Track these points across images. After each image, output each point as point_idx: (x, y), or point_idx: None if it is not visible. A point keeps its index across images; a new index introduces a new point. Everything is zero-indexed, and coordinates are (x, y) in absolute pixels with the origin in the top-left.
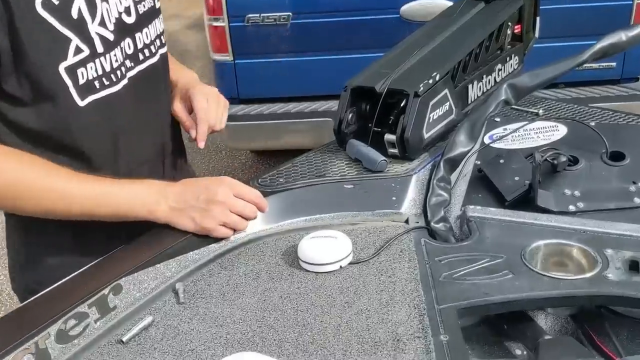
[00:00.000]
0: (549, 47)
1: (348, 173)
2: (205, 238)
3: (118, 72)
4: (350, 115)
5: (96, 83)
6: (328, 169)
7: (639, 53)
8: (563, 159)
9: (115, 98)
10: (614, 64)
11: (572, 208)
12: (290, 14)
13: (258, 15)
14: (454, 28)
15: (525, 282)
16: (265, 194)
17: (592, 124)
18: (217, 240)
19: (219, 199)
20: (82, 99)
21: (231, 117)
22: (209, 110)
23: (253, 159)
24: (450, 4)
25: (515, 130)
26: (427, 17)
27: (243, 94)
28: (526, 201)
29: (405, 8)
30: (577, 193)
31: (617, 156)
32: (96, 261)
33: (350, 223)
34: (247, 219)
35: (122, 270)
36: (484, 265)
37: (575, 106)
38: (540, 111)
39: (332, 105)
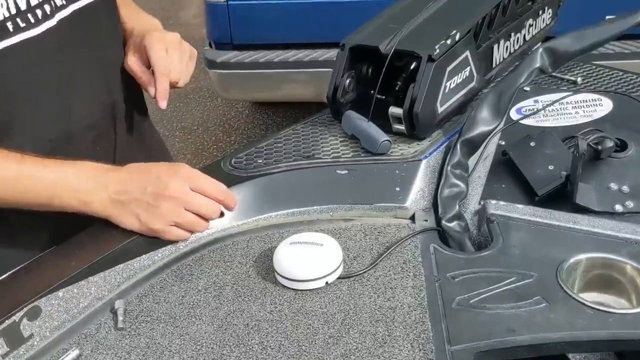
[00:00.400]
0: None
1: (342, 154)
2: (156, 239)
3: (39, 12)
4: (347, 81)
5: (9, 25)
6: (318, 148)
7: None
8: (609, 143)
9: (36, 44)
10: None
11: (618, 208)
12: None
13: None
14: None
15: (562, 314)
16: (239, 180)
17: None
18: (173, 241)
19: (170, 194)
20: None
21: (223, 65)
22: (169, 61)
23: (251, 107)
24: None
25: (549, 104)
26: None
27: (237, 39)
28: (561, 196)
29: None
30: (625, 188)
31: None
32: (6, 275)
33: (343, 219)
34: (206, 219)
35: (42, 287)
36: (509, 287)
37: (623, 73)
38: (579, 79)
39: (334, 54)
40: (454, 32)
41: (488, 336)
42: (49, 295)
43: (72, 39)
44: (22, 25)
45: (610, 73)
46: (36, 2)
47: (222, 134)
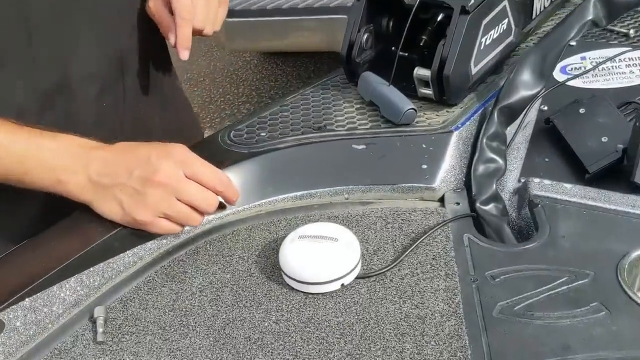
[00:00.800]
0: None
1: (359, 125)
2: (142, 232)
3: None
4: (365, 37)
5: None
6: (331, 118)
7: None
8: None
9: None
10: None
11: None
12: None
13: None
14: None
15: (626, 325)
16: (239, 157)
17: None
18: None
19: (160, 179)
20: None
21: (229, 13)
22: (194, 6)
23: (259, 57)
24: None
25: (601, 63)
26: None
27: None
28: (616, 173)
29: None
30: None
31: None
32: None
33: (360, 202)
34: (201, 212)
35: (4, 295)
36: (560, 289)
37: None
38: (631, 31)
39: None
40: None
41: (539, 355)
42: (13, 306)
43: None
44: None
45: None
46: None
47: (230, 86)
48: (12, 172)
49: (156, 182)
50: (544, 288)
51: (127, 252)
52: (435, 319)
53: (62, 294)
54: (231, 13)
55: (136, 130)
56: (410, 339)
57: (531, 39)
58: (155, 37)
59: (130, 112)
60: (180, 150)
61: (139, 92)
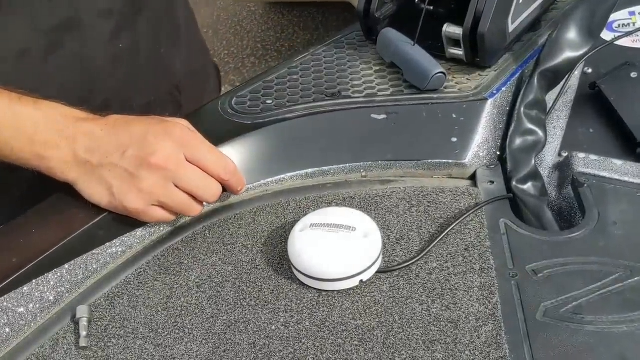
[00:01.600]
0: None
1: (379, 91)
2: (134, 219)
3: None
4: None
5: None
6: (346, 82)
7: None
8: None
9: None
10: None
11: None
12: None
13: None
14: None
15: None
16: (242, 128)
17: None
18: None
19: (158, 162)
20: None
21: None
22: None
23: (264, 7)
24: None
25: None
26: None
27: None
28: None
29: None
30: None
31: None
32: None
33: (380, 180)
34: (201, 201)
35: None
36: (613, 288)
37: None
38: None
39: None
40: None
41: None
42: None
43: None
44: None
45: None
46: None
47: (234, 37)
48: None
49: (153, 164)
50: (594, 286)
51: (114, 241)
52: (469, 323)
53: (41, 291)
54: None
55: (153, 72)
56: (442, 347)
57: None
58: None
59: (146, 52)
60: (182, 129)
61: (157, 30)
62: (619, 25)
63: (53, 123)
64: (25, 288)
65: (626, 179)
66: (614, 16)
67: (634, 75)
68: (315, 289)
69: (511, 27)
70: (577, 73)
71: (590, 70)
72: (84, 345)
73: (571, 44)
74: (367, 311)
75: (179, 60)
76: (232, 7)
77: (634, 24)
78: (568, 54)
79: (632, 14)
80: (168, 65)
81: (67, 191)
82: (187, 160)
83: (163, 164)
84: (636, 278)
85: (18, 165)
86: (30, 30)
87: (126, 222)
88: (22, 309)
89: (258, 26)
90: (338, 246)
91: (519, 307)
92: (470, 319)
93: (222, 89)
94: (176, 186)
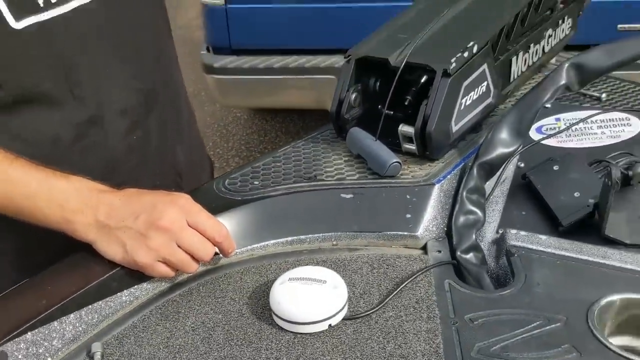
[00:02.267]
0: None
1: (347, 176)
2: (140, 273)
3: None
4: (353, 96)
5: (39, 0)
6: (321, 169)
7: None
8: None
9: (67, 22)
10: None
11: None
12: None
13: None
14: None
15: None
16: (233, 203)
17: None
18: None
19: (164, 224)
20: (18, 19)
21: (222, 70)
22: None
23: (249, 113)
24: None
25: (574, 124)
26: None
27: (235, 43)
28: (587, 226)
29: None
30: None
31: None
32: None
33: (348, 248)
34: (198, 260)
35: (8, 328)
36: (534, 332)
37: None
38: (603, 95)
39: (336, 60)
40: (472, 43)
41: None
42: (15, 339)
43: (103, 16)
44: (53, 1)
45: (638, 89)
46: None
47: (220, 140)
48: (24, 207)
49: (160, 227)
50: (519, 331)
51: (124, 291)
52: (417, 358)
53: (62, 329)
54: (225, 70)
55: (160, 161)
56: None
57: (509, 101)
58: (177, 76)
59: (156, 144)
60: (185, 200)
61: (165, 127)
62: (547, 129)
63: (80, 194)
64: (50, 326)
65: (548, 250)
66: (543, 121)
67: (556, 168)
68: (291, 331)
69: (454, 128)
70: (512, 166)
71: (522, 165)
72: None
73: (503, 143)
74: (334, 350)
75: (182, 152)
76: (219, 112)
77: (558, 127)
78: (501, 150)
79: (558, 119)
80: (172, 156)
81: (87, 249)
82: (188, 225)
83: (169, 226)
84: (552, 325)
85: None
86: (62, 123)
87: (135, 276)
88: (47, 343)
89: (243, 130)
90: (311, 295)
91: (457, 347)
92: (417, 355)
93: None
94: (178, 246)
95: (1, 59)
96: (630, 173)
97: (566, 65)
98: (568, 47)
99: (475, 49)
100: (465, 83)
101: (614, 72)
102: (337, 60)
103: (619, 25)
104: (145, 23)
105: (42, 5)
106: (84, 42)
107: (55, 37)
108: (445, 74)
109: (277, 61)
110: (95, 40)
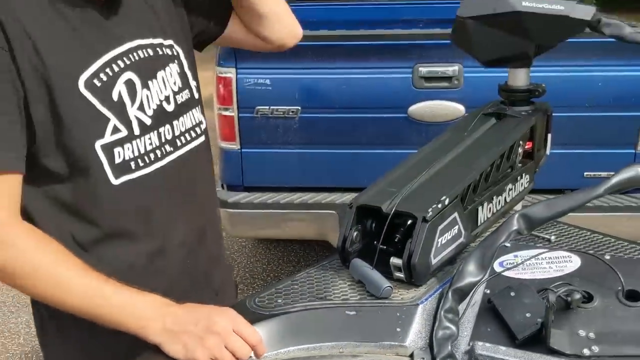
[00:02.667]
0: (559, 153)
1: (351, 297)
2: None
3: (152, 155)
4: (354, 234)
5: (132, 164)
6: (330, 291)
7: None
8: (577, 295)
9: (150, 180)
10: None
11: (586, 352)
12: (300, 108)
13: (267, 107)
14: (466, 145)
15: None
16: (262, 317)
17: (607, 257)
18: None
19: (218, 330)
20: (117, 177)
21: (234, 205)
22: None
23: (253, 242)
24: (456, 106)
25: (527, 260)
26: (434, 118)
27: (248, 182)
28: (538, 339)
29: (413, 108)
30: (591, 335)
31: (634, 295)
32: None
33: (352, 355)
34: (237, 359)
35: None
36: None
37: (590, 233)
38: (552, 237)
39: (336, 197)
40: (444, 197)
41: None
42: None
43: (176, 176)
44: (141, 164)
45: (580, 232)
46: (151, 147)
47: None
48: (109, 316)
49: (214, 331)
50: None
51: None
52: None
53: None
54: (237, 205)
55: (204, 282)
56: None
57: (478, 240)
58: (218, 214)
59: (202, 269)
60: (231, 312)
61: (209, 254)
62: (507, 263)
63: (154, 306)
64: None
65: (507, 358)
66: (504, 257)
67: (512, 294)
68: None
69: (433, 262)
70: (479, 292)
71: (488, 291)
72: None
73: (471, 273)
74: None
75: (218, 275)
76: (225, 241)
77: (516, 262)
78: (469, 279)
79: (516, 256)
80: (212, 278)
81: (156, 349)
82: (233, 331)
83: (220, 331)
84: None
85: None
86: (137, 254)
87: None
88: None
89: (247, 258)
90: None
91: None
92: None
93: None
94: (225, 347)
95: (101, 207)
96: (569, 299)
97: (516, 215)
98: (544, 192)
99: (447, 202)
100: (440, 227)
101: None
102: (337, 197)
103: (586, 173)
104: (204, 176)
105: (133, 168)
106: (161, 194)
107: (140, 191)
108: (424, 220)
109: (283, 197)
110: (169, 192)
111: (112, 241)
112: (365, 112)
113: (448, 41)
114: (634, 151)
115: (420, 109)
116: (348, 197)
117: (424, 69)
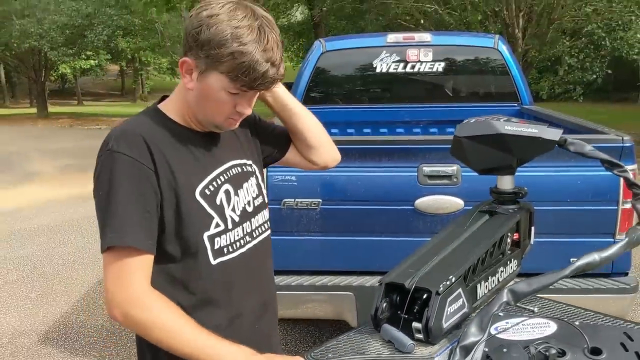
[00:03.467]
0: (544, 241)
1: (383, 352)
2: None
3: (238, 244)
4: (384, 305)
5: (225, 249)
6: (366, 348)
7: (627, 252)
8: (553, 351)
9: (235, 262)
10: None
11: None
12: (321, 200)
13: (293, 200)
14: (466, 236)
15: None
16: None
17: (577, 323)
18: None
19: None
20: (214, 259)
21: None
22: None
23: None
24: (456, 200)
25: (515, 325)
26: (437, 210)
27: (275, 265)
28: None
29: (419, 202)
30: None
31: (597, 351)
32: None
33: None
34: None
35: None
36: None
37: (564, 306)
38: (536, 309)
39: (353, 280)
40: (452, 276)
41: None
42: None
43: (251, 259)
44: (231, 250)
45: (557, 305)
46: (238, 238)
47: None
48: (202, 356)
49: None
50: None
51: None
52: None
53: None
54: None
55: (266, 342)
56: None
57: (480, 308)
58: (275, 288)
59: (266, 332)
60: (299, 358)
61: (271, 321)
62: (500, 327)
63: (245, 354)
64: None
65: None
66: (499, 323)
67: (504, 350)
68: None
69: (445, 325)
70: (480, 349)
71: (487, 349)
72: None
73: (473, 334)
74: None
75: (275, 337)
76: None
77: (507, 327)
78: (472, 339)
79: (507, 322)
80: (272, 341)
81: None
82: None
83: None
84: None
85: None
86: (220, 317)
87: None
88: None
89: None
90: None
91: None
92: None
93: None
94: None
95: (201, 281)
96: (547, 354)
97: (505, 290)
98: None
99: (453, 280)
100: (449, 299)
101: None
102: (353, 280)
103: (572, 259)
104: (269, 260)
105: (225, 252)
106: (241, 273)
107: (228, 269)
108: (437, 293)
109: (305, 280)
110: (246, 271)
111: (205, 307)
112: (377, 204)
113: (448, 146)
114: (613, 240)
115: (425, 202)
116: (364, 279)
117: (427, 168)
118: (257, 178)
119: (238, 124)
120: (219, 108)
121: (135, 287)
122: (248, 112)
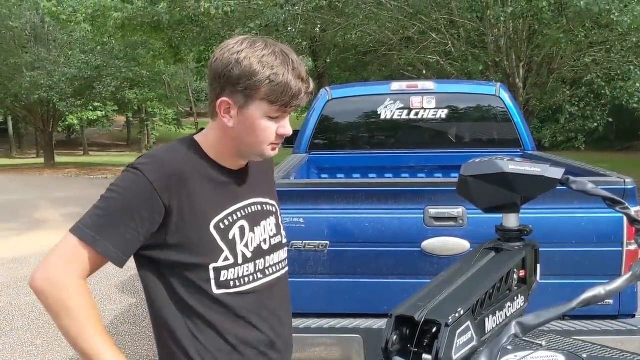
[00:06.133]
0: (551, 283)
1: None
2: None
3: (246, 279)
4: (394, 337)
5: (231, 282)
6: None
7: (633, 292)
8: None
9: (243, 295)
10: (610, 301)
11: None
12: (328, 242)
13: (301, 242)
14: (474, 271)
15: None
16: None
17: (584, 356)
18: None
19: None
20: (217, 289)
21: None
22: None
23: None
24: (462, 241)
25: (523, 358)
26: (444, 252)
27: None
28: None
29: (426, 243)
30: None
31: None
32: None
33: None
34: None
35: None
36: None
37: (572, 340)
38: (543, 342)
39: (361, 322)
40: (460, 309)
41: None
42: None
43: (263, 296)
44: (238, 284)
45: (563, 339)
46: (247, 273)
47: None
48: None
49: None
50: None
51: None
52: None
53: None
54: None
55: None
56: None
57: (488, 342)
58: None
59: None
60: None
61: (282, 351)
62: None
63: None
64: None
65: None
66: (508, 357)
67: None
68: None
69: (454, 357)
70: None
71: None
72: None
73: None
74: None
75: None
76: None
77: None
78: None
79: (516, 356)
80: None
81: None
82: None
83: None
84: None
85: None
86: (224, 341)
87: None
88: None
89: None
90: None
91: None
92: None
93: None
94: None
95: (203, 307)
96: None
97: (514, 322)
98: None
99: (462, 312)
100: (458, 331)
101: (552, 328)
102: (361, 322)
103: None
104: (285, 298)
105: (231, 285)
106: (252, 306)
107: (234, 301)
108: (446, 325)
109: (313, 322)
110: (259, 305)
111: (208, 330)
112: (384, 246)
113: (453, 188)
114: None
115: (431, 244)
116: (372, 322)
117: (433, 211)
118: (277, 218)
119: (278, 149)
120: (263, 135)
121: (73, 275)
122: (290, 131)
